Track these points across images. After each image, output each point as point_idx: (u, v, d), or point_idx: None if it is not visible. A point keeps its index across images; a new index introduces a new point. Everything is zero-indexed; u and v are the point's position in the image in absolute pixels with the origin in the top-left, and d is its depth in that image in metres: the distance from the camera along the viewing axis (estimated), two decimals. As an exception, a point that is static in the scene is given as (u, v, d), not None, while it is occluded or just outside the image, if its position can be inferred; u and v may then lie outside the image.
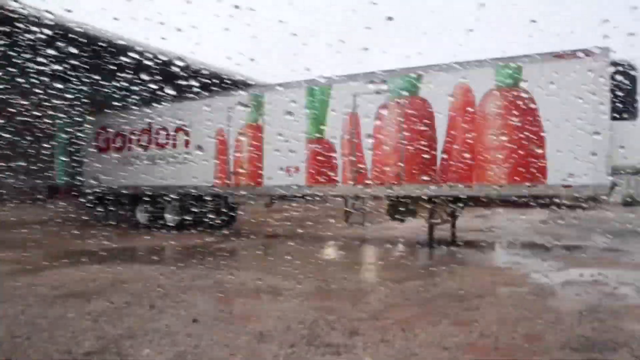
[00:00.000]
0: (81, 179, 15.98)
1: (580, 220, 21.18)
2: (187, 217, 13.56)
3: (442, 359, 3.62)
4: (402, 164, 10.37)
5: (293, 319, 4.61)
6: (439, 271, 7.51)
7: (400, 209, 10.78)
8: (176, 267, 7.75)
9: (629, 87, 9.41)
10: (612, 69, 9.20)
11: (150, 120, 14.33)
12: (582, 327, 4.48)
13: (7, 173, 15.04)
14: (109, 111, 15.77)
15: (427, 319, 4.70)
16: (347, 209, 11.47)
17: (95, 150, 15.67)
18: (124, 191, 14.83)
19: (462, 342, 4.01)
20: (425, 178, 10.19)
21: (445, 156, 10.03)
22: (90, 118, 16.03)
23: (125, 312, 5.00)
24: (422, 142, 10.25)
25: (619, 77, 9.34)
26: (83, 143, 16.09)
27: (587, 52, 9.19)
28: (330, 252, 10.61)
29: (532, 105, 9.43)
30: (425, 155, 10.19)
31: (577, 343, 4.01)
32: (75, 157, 16.39)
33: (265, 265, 8.05)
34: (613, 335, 4.27)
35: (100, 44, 14.40)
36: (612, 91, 9.16)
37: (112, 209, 16.19)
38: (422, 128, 10.25)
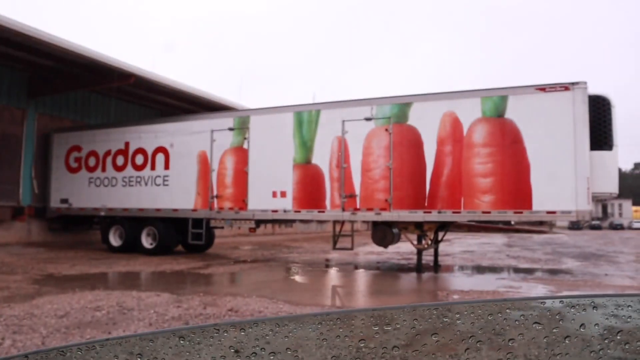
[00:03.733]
0: (50, 199, 15.35)
1: (541, 244, 22.11)
2: (164, 241, 13.26)
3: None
4: (391, 190, 10.56)
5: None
6: (444, 296, 7.67)
7: (387, 234, 10.92)
8: (176, 294, 7.56)
9: (605, 119, 10.01)
10: (589, 102, 9.77)
11: (127, 140, 13.99)
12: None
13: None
14: (81, 130, 15.34)
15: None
16: (335, 234, 11.54)
17: (65, 171, 15.11)
18: (97, 213, 14.38)
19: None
20: (414, 204, 10.42)
21: (434, 182, 10.29)
22: (60, 136, 15.49)
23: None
24: (411, 169, 10.49)
25: (596, 110, 9.94)
26: (52, 162, 15.49)
27: (567, 86, 9.73)
28: (331, 278, 10.59)
29: (517, 135, 9.86)
30: (414, 182, 10.43)
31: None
32: (42, 177, 15.76)
33: (268, 291, 7.96)
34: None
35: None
36: (590, 123, 9.72)
37: (81, 231, 15.71)
38: (411, 155, 10.51)
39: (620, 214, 42.29)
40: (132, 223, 13.66)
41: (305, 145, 11.42)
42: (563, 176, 9.47)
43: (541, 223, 34.86)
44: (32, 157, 15.85)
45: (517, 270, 11.78)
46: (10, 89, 15.32)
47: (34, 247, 14.68)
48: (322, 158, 11.25)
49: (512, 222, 31.37)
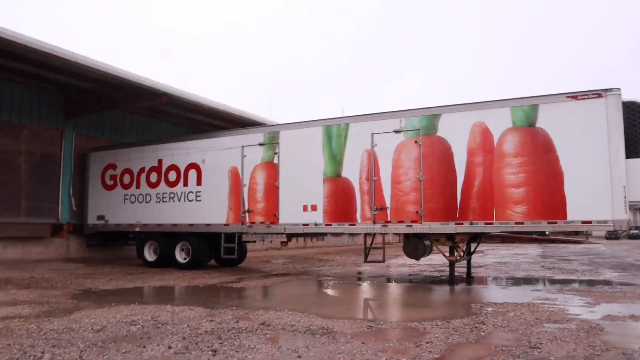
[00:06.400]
0: (87, 216, 15.79)
1: (577, 254, 21.55)
2: (197, 256, 13.47)
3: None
4: (421, 202, 10.50)
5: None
6: (477, 308, 7.57)
7: (418, 246, 10.83)
8: (209, 308, 7.65)
9: (640, 126, 9.77)
10: (623, 108, 9.55)
11: (160, 158, 14.32)
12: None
13: (11, 211, 14.78)
14: (116, 148, 15.76)
15: (500, 358, 4.73)
16: (366, 247, 11.51)
17: (101, 188, 15.53)
18: (132, 229, 14.71)
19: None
20: (445, 216, 10.33)
21: (465, 194, 10.19)
22: (97, 155, 15.96)
23: (190, 357, 4.92)
24: (442, 180, 10.43)
25: (630, 116, 9.72)
26: (88, 180, 15.95)
27: (600, 93, 9.55)
28: (363, 291, 10.55)
29: (549, 144, 9.71)
30: (445, 193, 10.36)
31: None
32: (80, 195, 16.22)
33: (300, 304, 7.99)
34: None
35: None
36: (625, 130, 9.50)
37: (118, 247, 16.08)
38: (441, 166, 10.45)
39: (662, 223, 40.88)
40: (166, 238, 13.94)
41: (335, 159, 11.48)
42: (598, 185, 9.28)
43: (577, 233, 33.98)
44: (70, 176, 16.34)
45: (552, 281, 11.52)
46: (49, 110, 15.88)
47: (73, 262, 15.09)
48: (351, 171, 11.28)
49: (547, 233, 30.70)
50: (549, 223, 9.66)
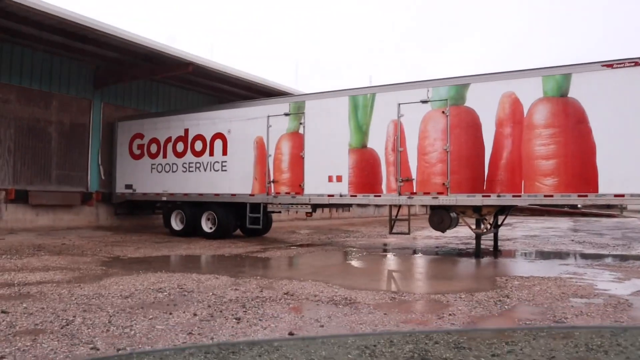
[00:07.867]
0: (115, 185, 16.09)
1: (609, 228, 21.13)
2: (223, 225, 13.63)
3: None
4: (448, 174, 10.36)
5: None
6: (502, 282, 7.49)
7: (444, 218, 10.74)
8: (234, 277, 7.75)
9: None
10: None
11: (186, 127, 14.42)
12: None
13: (43, 179, 15.15)
14: (143, 118, 15.91)
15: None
16: (391, 218, 11.46)
17: (128, 157, 15.76)
18: (159, 199, 14.94)
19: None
20: (472, 188, 10.19)
21: (492, 165, 10.01)
22: (124, 124, 16.15)
23: (214, 324, 4.99)
24: (469, 152, 10.25)
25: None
26: (116, 150, 16.20)
27: (637, 61, 9.17)
28: (387, 262, 10.56)
29: (581, 115, 9.41)
30: (472, 165, 10.19)
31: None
32: (108, 164, 16.51)
33: (324, 275, 8.03)
34: None
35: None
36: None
37: (145, 215, 16.35)
38: (469, 137, 10.25)
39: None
40: (192, 208, 14.12)
41: (361, 129, 11.37)
42: (632, 157, 8.99)
43: (609, 206, 33.22)
44: (98, 145, 16.63)
45: (582, 255, 11.33)
46: (77, 80, 16.08)
47: (102, 230, 15.45)
48: (377, 142, 11.17)
49: (579, 206, 30.11)
50: (579, 196, 9.44)
